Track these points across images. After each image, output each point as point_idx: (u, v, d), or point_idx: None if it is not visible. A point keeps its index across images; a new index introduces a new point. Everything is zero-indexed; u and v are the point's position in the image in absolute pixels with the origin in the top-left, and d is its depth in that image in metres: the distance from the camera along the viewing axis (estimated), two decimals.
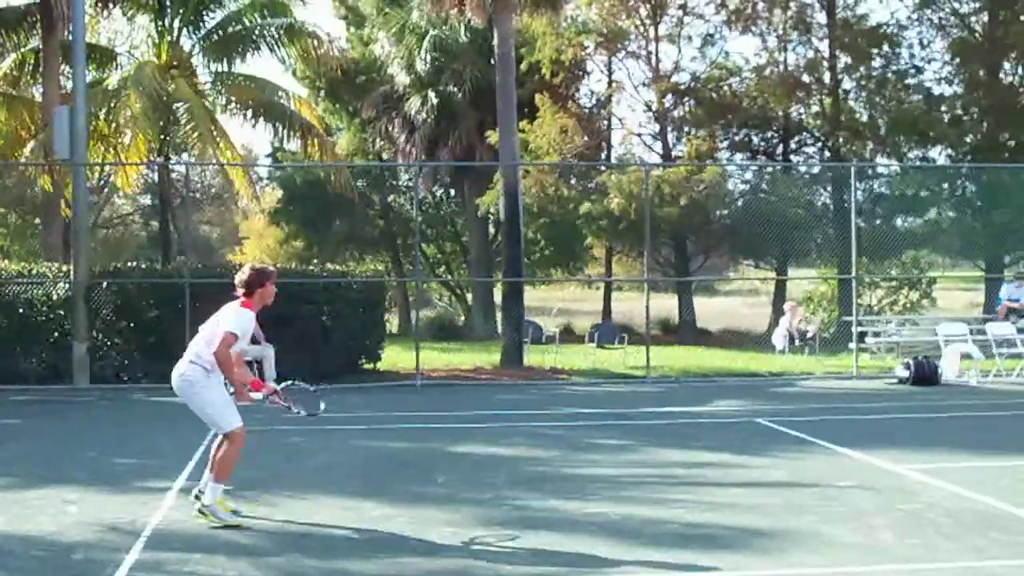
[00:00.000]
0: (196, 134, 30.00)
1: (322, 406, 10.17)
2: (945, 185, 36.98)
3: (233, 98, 32.99)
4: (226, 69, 33.05)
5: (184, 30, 32.67)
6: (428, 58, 38.38)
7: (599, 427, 16.00)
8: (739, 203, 38.37)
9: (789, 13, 36.90)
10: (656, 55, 38.47)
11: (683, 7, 38.12)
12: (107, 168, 35.86)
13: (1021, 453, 12.85)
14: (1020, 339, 23.13)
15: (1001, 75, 36.73)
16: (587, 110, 40.13)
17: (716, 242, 38.99)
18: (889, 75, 36.97)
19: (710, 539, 8.81)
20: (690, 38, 40.40)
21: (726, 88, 38.15)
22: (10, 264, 25.46)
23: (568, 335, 34.29)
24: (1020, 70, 36.90)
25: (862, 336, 25.50)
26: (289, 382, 10.27)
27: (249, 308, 9.65)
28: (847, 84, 37.61)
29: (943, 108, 36.65)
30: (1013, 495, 10.24)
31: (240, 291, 9.76)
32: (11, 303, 22.05)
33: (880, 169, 37.44)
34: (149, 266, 26.00)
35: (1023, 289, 26.42)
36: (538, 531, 9.08)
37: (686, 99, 38.49)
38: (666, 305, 40.56)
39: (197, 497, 9.64)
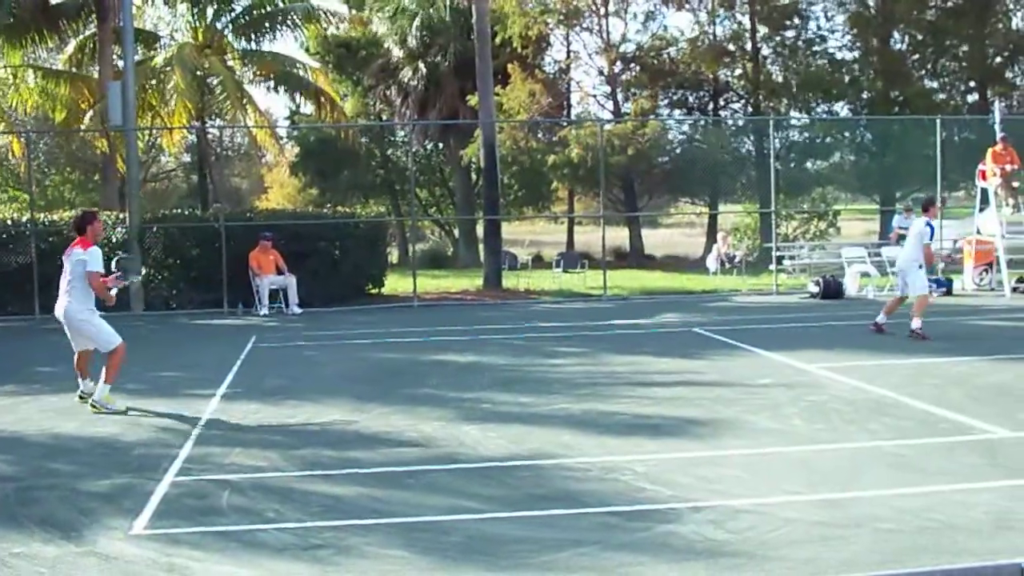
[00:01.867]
0: (228, 102, 30.04)
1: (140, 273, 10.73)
2: (846, 134, 37.11)
3: (258, 71, 32.69)
4: (252, 47, 32.73)
5: (217, 15, 32.27)
6: (418, 35, 38.11)
7: (563, 337, 15.99)
8: (677, 151, 38.37)
9: None
10: (607, 29, 38.27)
11: None
12: (154, 131, 35.55)
13: (909, 354, 12.90)
14: None
15: (891, 43, 36.81)
16: (550, 76, 39.83)
17: (658, 183, 39.10)
18: (800, 43, 36.88)
19: (655, 427, 8.85)
20: (635, 15, 40.11)
21: (665, 56, 37.88)
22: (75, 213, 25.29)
23: (538, 262, 34.28)
24: (906, 39, 36.96)
25: (780, 259, 25.52)
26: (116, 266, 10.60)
27: (89, 245, 10.00)
28: (765, 51, 37.49)
29: (844, 70, 36.72)
30: (902, 387, 10.30)
31: (76, 232, 10.17)
32: None
33: (793, 121, 37.42)
34: (190, 212, 25.84)
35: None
36: (512, 424, 9.10)
37: (632, 65, 38.31)
38: (618, 236, 40.51)
39: (81, 398, 10.24)
